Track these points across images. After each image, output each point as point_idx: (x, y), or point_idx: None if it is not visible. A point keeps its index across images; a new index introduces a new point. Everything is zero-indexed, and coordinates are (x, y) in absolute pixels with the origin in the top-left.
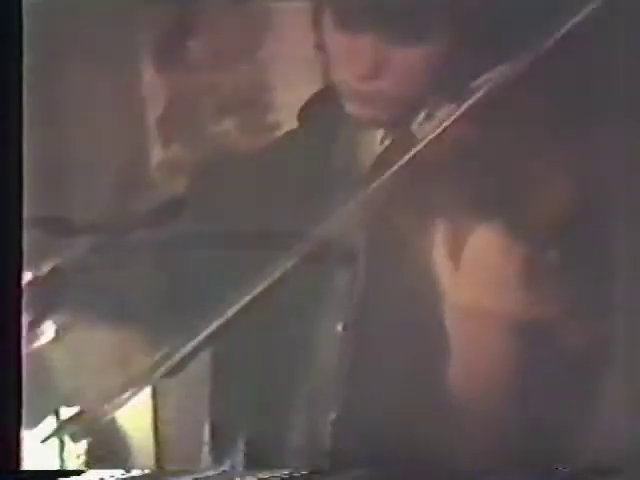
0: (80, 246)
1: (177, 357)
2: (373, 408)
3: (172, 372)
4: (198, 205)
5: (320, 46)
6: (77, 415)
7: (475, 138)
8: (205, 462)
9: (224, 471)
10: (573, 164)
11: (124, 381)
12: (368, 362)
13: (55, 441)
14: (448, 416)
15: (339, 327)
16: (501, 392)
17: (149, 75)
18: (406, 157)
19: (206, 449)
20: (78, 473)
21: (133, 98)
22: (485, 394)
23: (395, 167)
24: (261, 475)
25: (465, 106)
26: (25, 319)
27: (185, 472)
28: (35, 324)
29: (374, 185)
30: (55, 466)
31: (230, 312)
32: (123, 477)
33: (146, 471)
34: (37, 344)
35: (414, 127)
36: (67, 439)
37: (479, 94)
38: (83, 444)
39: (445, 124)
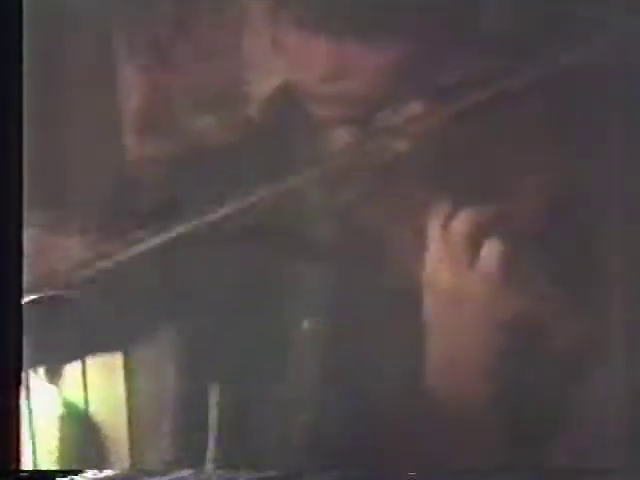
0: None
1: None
2: (348, 407)
3: None
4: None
5: (279, 45)
6: None
7: (445, 133)
8: (167, 458)
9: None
10: (554, 159)
11: None
12: (342, 359)
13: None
14: (427, 414)
15: (310, 323)
16: (483, 388)
17: (125, 71)
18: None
19: (167, 443)
20: (78, 473)
21: (110, 94)
22: (465, 390)
23: (365, 162)
24: (237, 475)
25: (430, 104)
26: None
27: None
28: None
29: (343, 180)
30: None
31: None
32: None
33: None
34: None
35: (378, 125)
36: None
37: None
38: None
39: (410, 121)
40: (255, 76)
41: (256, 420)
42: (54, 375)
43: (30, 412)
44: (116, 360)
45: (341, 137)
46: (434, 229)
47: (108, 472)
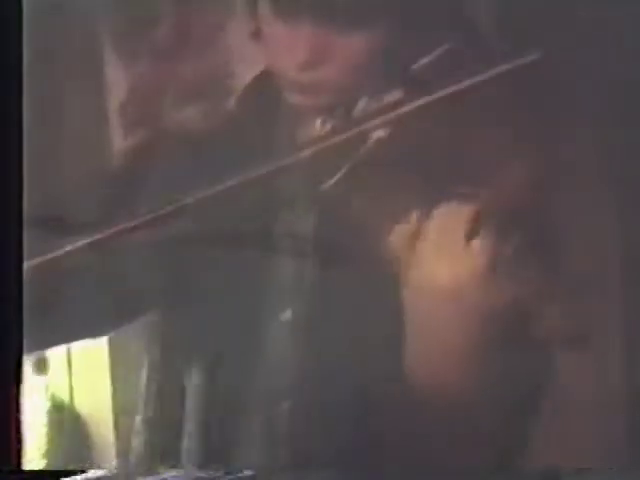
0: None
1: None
2: (328, 397)
3: None
4: (155, 190)
5: (257, 35)
6: None
7: (422, 122)
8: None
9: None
10: (531, 148)
11: None
12: (320, 350)
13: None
14: (405, 404)
15: (289, 314)
16: (461, 379)
17: (111, 63)
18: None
19: (138, 442)
20: (79, 473)
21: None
22: (445, 380)
23: (343, 153)
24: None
25: (408, 92)
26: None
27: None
28: None
29: (323, 168)
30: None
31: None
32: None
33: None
34: None
35: (356, 114)
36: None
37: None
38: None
39: (388, 110)
40: (236, 66)
41: (235, 411)
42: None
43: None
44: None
45: (321, 125)
46: (416, 219)
47: (109, 472)
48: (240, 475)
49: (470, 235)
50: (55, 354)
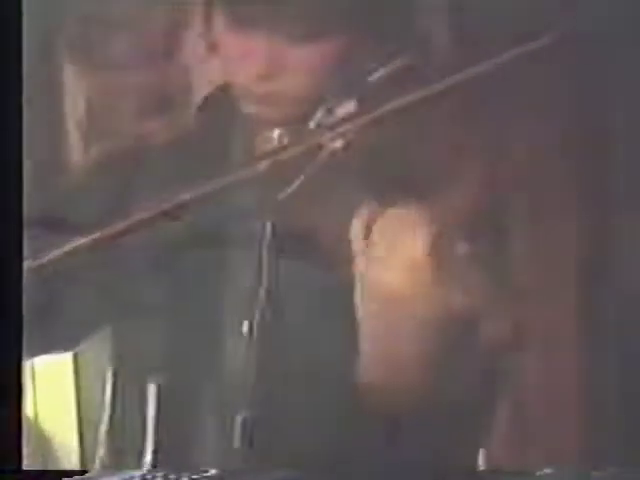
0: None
1: None
2: (282, 409)
3: None
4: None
5: (213, 48)
6: None
7: (377, 130)
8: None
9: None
10: (483, 153)
11: None
12: (276, 361)
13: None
14: (359, 415)
15: (245, 326)
16: (417, 388)
17: (69, 74)
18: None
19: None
20: (79, 473)
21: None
22: (400, 390)
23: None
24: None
25: (365, 101)
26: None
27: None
28: None
29: (276, 179)
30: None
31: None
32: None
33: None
34: None
35: (312, 124)
36: None
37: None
38: None
39: (345, 120)
40: (195, 79)
41: (192, 420)
42: None
43: None
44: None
45: (279, 136)
46: (367, 228)
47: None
48: (206, 475)
49: (419, 243)
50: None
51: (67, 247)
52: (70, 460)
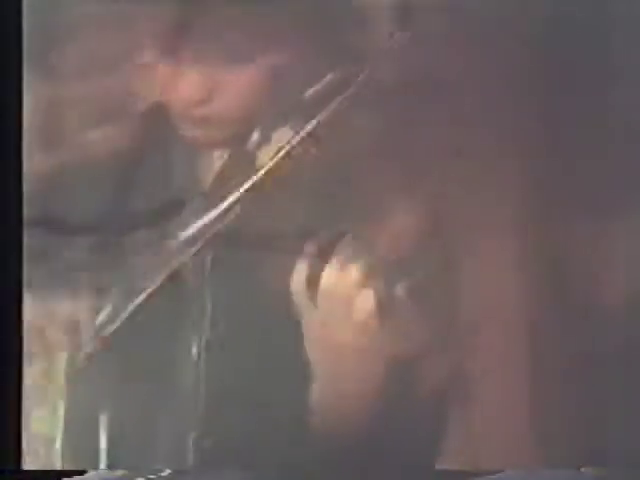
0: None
1: None
2: (234, 431)
3: None
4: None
5: (148, 69)
6: None
7: (314, 154)
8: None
9: None
10: (419, 188)
11: None
12: (227, 385)
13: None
14: (312, 444)
15: (194, 349)
16: (364, 428)
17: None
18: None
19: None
20: (79, 473)
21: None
22: (349, 429)
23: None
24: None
25: (299, 121)
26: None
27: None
28: None
29: (219, 205)
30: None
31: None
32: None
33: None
34: None
35: (250, 146)
36: None
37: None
38: None
39: (280, 142)
40: (139, 91)
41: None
42: None
43: None
44: None
45: (218, 157)
46: (308, 282)
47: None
48: (161, 475)
49: (359, 284)
50: None
51: None
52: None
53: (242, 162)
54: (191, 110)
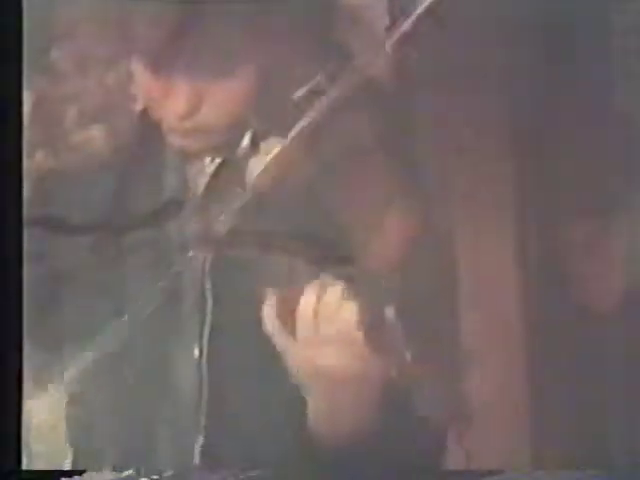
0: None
1: None
2: (236, 435)
3: None
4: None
5: (134, 82)
6: None
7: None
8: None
9: None
10: (406, 202)
11: None
12: (226, 390)
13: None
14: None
15: (195, 353)
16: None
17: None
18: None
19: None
20: (78, 473)
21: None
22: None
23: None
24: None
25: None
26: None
27: None
28: None
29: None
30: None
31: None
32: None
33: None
34: None
35: (239, 154)
36: None
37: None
38: None
39: (268, 149)
40: (125, 100)
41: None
42: None
43: None
44: None
45: (209, 165)
46: (281, 314)
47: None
48: (164, 475)
49: (342, 306)
50: None
51: None
52: None
53: (232, 170)
54: (177, 123)
